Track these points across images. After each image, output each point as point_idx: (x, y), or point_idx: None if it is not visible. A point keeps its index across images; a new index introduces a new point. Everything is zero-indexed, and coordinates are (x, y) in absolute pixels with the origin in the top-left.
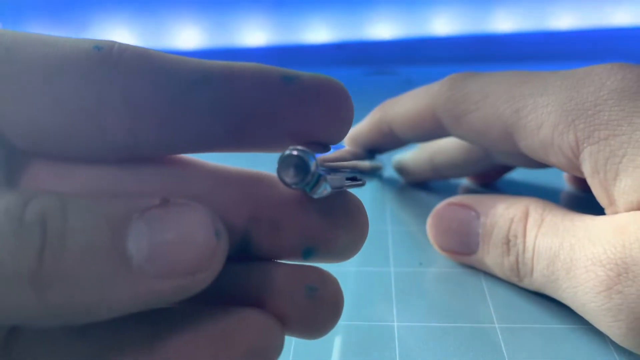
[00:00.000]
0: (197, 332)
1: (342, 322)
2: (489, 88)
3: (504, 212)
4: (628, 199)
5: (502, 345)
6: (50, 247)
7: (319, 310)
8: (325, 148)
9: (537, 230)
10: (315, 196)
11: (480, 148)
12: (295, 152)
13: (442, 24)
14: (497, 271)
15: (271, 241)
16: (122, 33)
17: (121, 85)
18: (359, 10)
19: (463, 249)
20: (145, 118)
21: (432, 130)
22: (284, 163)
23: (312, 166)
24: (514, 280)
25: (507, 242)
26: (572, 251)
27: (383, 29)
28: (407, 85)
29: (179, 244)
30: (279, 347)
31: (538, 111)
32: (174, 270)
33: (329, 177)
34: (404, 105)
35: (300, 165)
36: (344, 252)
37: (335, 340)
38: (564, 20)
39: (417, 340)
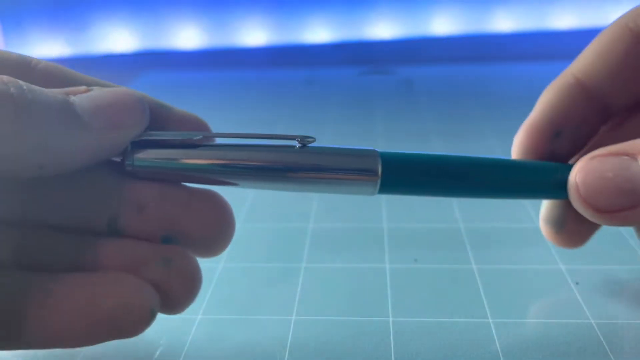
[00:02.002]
0: (73, 285)
1: (338, 317)
2: None
3: None
4: None
5: (496, 339)
6: (21, 100)
7: (174, 280)
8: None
9: None
10: (127, 163)
11: None
12: None
13: (442, 24)
14: None
15: (136, 223)
16: (122, 33)
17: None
18: (359, 10)
19: (629, 200)
20: None
21: (636, 54)
22: None
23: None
24: None
25: None
26: None
27: (383, 28)
28: (405, 85)
29: (113, 105)
30: (147, 308)
31: None
32: (112, 122)
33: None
34: (591, 45)
35: None
36: (205, 245)
37: (331, 335)
38: (564, 20)
39: (412, 335)
